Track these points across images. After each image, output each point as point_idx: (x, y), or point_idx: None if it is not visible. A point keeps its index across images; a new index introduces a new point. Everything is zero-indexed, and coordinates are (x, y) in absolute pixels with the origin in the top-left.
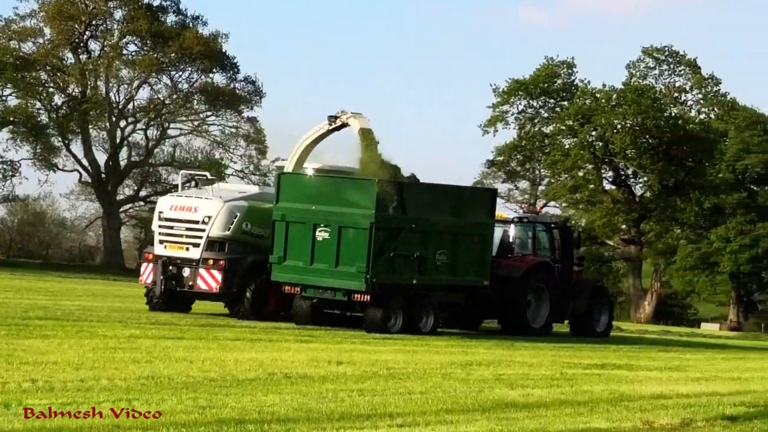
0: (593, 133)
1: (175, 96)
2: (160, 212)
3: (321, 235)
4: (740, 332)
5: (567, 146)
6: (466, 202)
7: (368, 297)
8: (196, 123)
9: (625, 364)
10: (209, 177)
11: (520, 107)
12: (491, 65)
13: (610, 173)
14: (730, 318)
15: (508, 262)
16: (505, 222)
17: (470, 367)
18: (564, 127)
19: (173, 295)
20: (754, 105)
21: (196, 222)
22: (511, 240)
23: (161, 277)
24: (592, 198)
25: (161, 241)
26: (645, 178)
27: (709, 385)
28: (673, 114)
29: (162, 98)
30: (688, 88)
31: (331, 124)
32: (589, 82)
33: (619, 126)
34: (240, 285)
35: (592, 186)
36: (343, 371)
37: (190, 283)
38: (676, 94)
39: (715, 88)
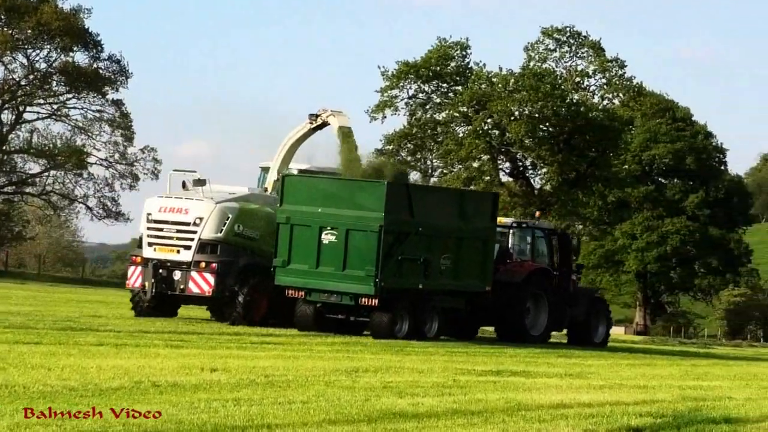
0: (489, 120)
1: (32, 76)
2: (148, 214)
3: (327, 238)
4: (647, 336)
5: (461, 135)
6: (468, 206)
7: (376, 301)
8: (55, 106)
9: (522, 371)
10: (200, 178)
11: (411, 92)
12: (381, 47)
13: (507, 164)
14: (636, 321)
15: (507, 267)
16: (504, 227)
17: (356, 373)
18: (457, 114)
19: (164, 299)
20: (662, 90)
21: (187, 224)
22: (509, 246)
23: (152, 281)
24: (487, 191)
25: (150, 244)
26: (544, 170)
27: (612, 394)
28: (574, 100)
29: (17, 79)
30: (590, 72)
31: (312, 123)
32: (484, 65)
33: (516, 113)
34: (232, 289)
35: (487, 178)
36: (217, 379)
37: (182, 287)
38: (578, 79)
39: (620, 72)
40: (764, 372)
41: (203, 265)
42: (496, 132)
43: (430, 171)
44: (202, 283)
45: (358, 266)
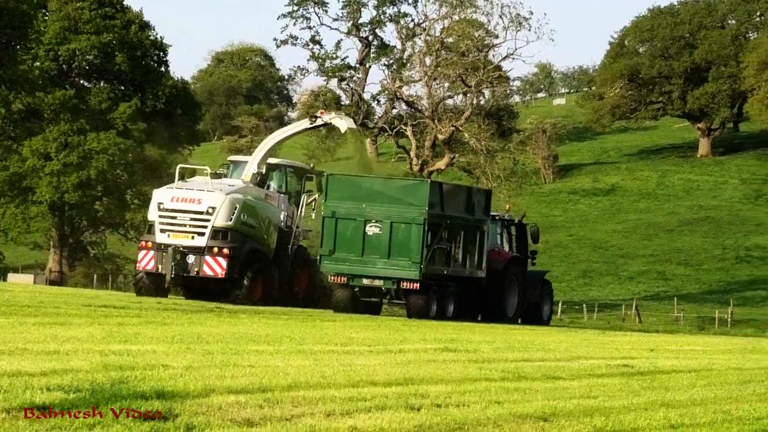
0: None
1: None
2: (160, 203)
3: (372, 230)
4: (62, 286)
5: None
6: (471, 201)
7: (417, 285)
8: None
9: None
10: (217, 172)
11: None
12: None
13: None
14: (50, 267)
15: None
16: None
17: None
18: None
19: (179, 280)
20: None
21: (201, 212)
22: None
23: (172, 264)
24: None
25: (163, 230)
26: None
27: (12, 362)
28: None
29: None
30: None
31: (311, 123)
32: None
33: None
34: (240, 272)
35: None
36: None
37: (196, 270)
38: None
39: None
40: (210, 333)
41: (216, 250)
42: None
43: None
44: (215, 266)
45: (402, 255)
